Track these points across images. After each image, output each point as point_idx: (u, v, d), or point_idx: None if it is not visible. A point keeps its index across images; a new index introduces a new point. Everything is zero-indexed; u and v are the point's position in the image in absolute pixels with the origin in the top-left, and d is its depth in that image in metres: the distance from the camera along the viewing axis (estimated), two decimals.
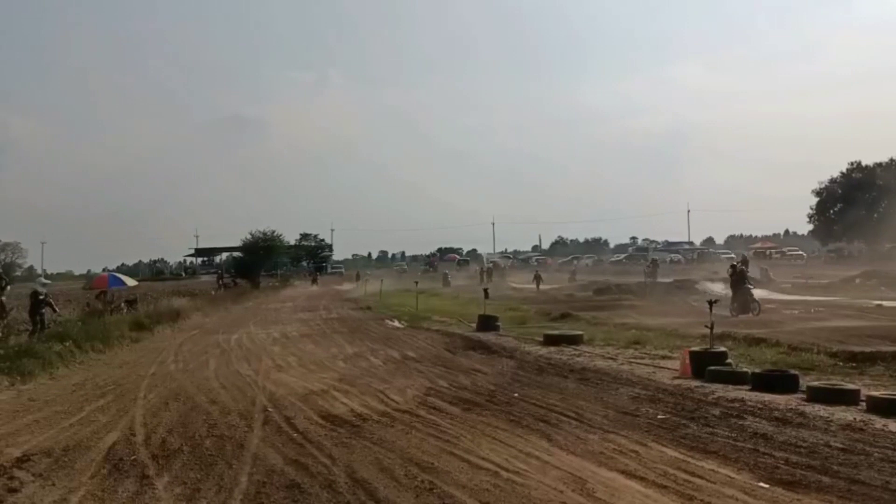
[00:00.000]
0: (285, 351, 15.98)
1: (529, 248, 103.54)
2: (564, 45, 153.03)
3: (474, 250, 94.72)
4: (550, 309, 23.60)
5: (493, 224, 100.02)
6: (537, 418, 8.32)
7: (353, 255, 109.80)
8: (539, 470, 6.32)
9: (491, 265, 56.70)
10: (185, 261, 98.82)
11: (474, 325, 19.01)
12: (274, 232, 67.71)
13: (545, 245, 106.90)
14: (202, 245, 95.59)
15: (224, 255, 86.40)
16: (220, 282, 53.23)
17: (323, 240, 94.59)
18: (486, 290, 22.99)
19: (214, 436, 8.03)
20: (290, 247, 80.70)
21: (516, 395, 9.84)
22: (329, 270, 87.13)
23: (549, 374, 11.63)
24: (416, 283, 34.00)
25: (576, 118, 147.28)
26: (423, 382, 11.09)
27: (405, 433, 7.86)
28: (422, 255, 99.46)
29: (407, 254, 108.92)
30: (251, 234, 66.33)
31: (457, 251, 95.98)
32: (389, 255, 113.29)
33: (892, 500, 5.33)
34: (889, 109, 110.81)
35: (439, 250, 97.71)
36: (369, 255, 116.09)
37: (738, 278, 22.12)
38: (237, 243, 69.80)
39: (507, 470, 6.33)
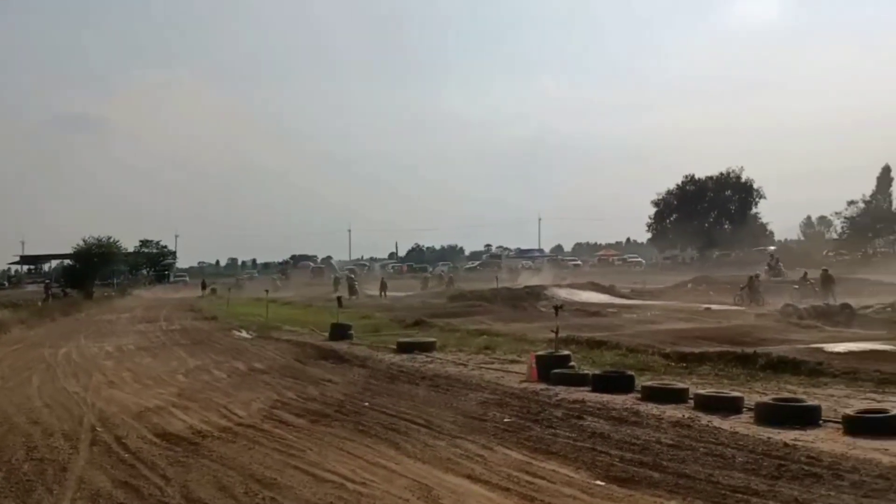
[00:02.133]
0: (119, 366, 14.92)
1: (386, 256, 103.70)
2: (429, 51, 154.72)
3: (329, 258, 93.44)
4: (405, 316, 23.66)
5: (350, 231, 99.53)
6: (386, 427, 8.26)
7: (199, 263, 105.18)
8: (386, 479, 6.26)
9: (352, 274, 56.08)
10: (9, 269, 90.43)
11: (327, 334, 18.68)
12: (110, 238, 63.60)
13: (402, 252, 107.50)
14: (29, 252, 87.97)
15: (53, 263, 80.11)
16: (48, 292, 49.19)
17: (165, 246, 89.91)
18: (339, 299, 22.74)
19: (34, 459, 7.35)
20: (129, 254, 76.22)
21: (366, 404, 9.73)
22: (172, 279, 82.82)
23: (401, 381, 11.62)
24: (267, 291, 33.02)
25: (438, 125, 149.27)
26: (270, 395, 10.72)
27: (248, 449, 7.55)
28: (274, 262, 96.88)
29: (258, 261, 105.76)
30: (84, 240, 61.93)
31: (311, 258, 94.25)
32: (239, 263, 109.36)
33: (715, 491, 5.69)
34: (720, 126, 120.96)
35: (293, 257, 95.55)
36: (217, 262, 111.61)
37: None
38: (69, 250, 64.95)
39: (353, 481, 6.23)
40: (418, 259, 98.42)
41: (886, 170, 71.19)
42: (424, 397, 10.12)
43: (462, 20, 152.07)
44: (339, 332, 18.25)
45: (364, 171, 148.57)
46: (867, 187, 72.06)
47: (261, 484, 6.24)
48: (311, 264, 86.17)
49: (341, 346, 16.45)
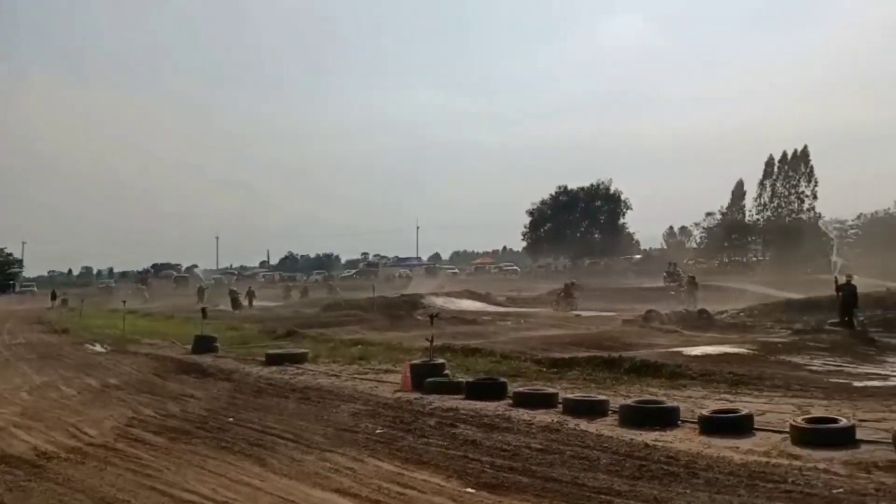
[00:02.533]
0: None
1: (257, 264, 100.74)
2: (305, 57, 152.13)
3: (195, 266, 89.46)
4: (275, 327, 23.00)
5: (218, 238, 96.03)
6: (252, 443, 7.91)
7: (49, 272, 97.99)
8: (250, 498, 5.98)
9: (213, 282, 53.94)
10: None
11: (189, 347, 17.79)
12: None
13: (274, 261, 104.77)
14: None
15: None
16: None
17: (10, 254, 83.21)
18: (203, 310, 21.75)
19: None
20: None
21: (231, 419, 9.30)
22: (18, 289, 76.63)
23: (269, 395, 11.21)
24: (124, 302, 31.13)
25: (314, 132, 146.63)
26: (125, 412, 10.04)
27: (98, 470, 7.00)
28: (133, 271, 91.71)
29: (116, 270, 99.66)
30: None
31: (175, 267, 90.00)
32: (95, 272, 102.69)
33: (580, 493, 5.81)
34: (591, 139, 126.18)
35: (154, 266, 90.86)
36: (70, 271, 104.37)
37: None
38: None
39: (213, 501, 5.92)
40: (292, 268, 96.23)
41: (740, 184, 77.02)
42: (293, 410, 9.79)
43: (341, 26, 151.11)
44: (204, 344, 17.41)
45: (235, 177, 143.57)
46: (724, 200, 77.63)
47: None
48: (175, 273, 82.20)
49: (205, 360, 15.69)
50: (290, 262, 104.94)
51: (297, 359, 14.75)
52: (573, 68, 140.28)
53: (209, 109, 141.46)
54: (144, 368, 14.78)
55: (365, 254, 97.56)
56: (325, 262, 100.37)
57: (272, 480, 6.46)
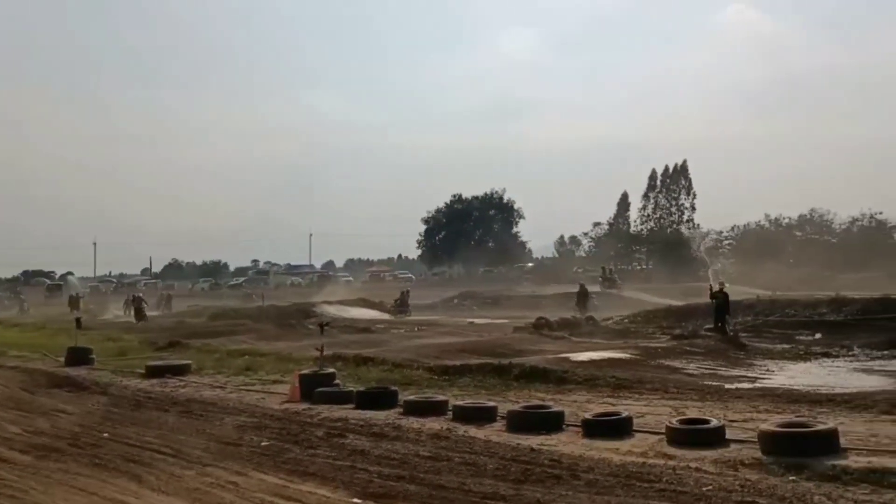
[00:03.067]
0: None
1: (139, 272, 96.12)
2: (191, 58, 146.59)
3: (70, 273, 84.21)
4: (157, 338, 22.03)
5: (95, 244, 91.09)
6: (128, 459, 7.54)
7: None
8: None
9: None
10: None
11: (62, 360, 16.76)
12: None
13: (157, 268, 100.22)
14: None
15: None
16: None
17: None
18: (77, 320, 20.57)
19: None
20: None
21: (106, 435, 8.83)
22: None
23: (148, 408, 10.73)
24: None
25: (199, 135, 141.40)
26: None
27: None
28: (2, 278, 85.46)
29: None
30: None
31: (48, 274, 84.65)
32: None
33: (466, 498, 5.87)
34: (486, 148, 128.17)
35: (24, 273, 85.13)
36: None
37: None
38: None
39: None
40: (177, 275, 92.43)
41: (625, 196, 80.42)
42: (174, 424, 9.41)
43: (228, 27, 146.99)
44: (78, 356, 16.45)
45: (116, 179, 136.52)
46: (611, 211, 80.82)
47: None
48: (48, 281, 77.22)
49: (79, 373, 14.81)
50: (175, 270, 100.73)
51: (179, 370, 14.20)
52: (468, 79, 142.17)
53: (83, 103, 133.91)
54: (11, 383, 13.71)
55: (255, 261, 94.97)
56: (213, 270, 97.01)
57: (148, 497, 6.19)
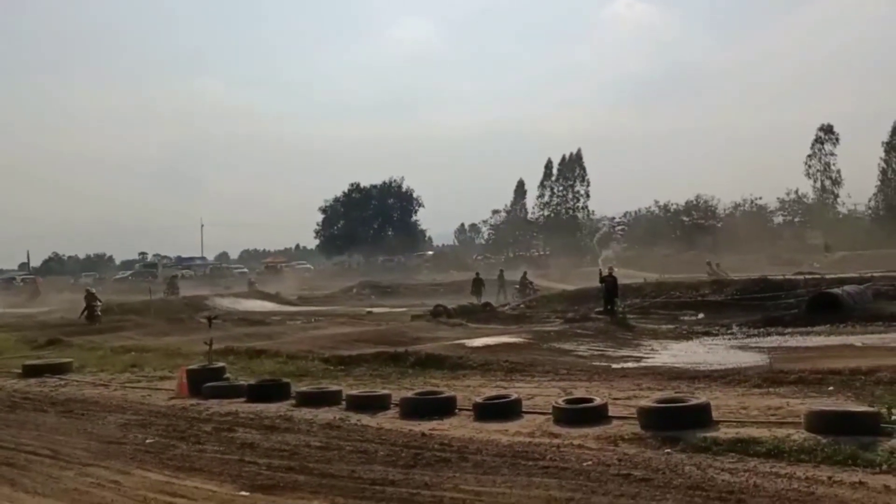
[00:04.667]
0: None
1: (16, 266, 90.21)
2: (59, 43, 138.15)
3: None
4: (36, 335, 20.86)
5: None
6: (1, 462, 7.19)
7: None
8: None
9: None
10: None
11: None
12: None
13: (36, 262, 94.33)
14: None
15: None
16: None
17: None
18: None
19: None
20: None
21: None
22: None
23: (25, 409, 10.21)
24: None
25: (78, 123, 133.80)
26: None
27: None
28: None
29: None
30: None
31: None
32: None
33: (355, 486, 5.93)
34: (383, 137, 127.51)
35: None
36: None
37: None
38: None
39: None
40: (58, 270, 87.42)
41: (521, 183, 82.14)
42: (53, 425, 9.00)
43: (117, 12, 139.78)
44: None
45: None
46: (508, 198, 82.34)
47: None
48: None
49: None
50: (56, 264, 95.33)
51: (59, 369, 13.54)
52: (364, 68, 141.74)
53: None
54: None
55: (143, 254, 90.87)
56: (98, 263, 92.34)
57: (23, 501, 5.96)
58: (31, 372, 13.36)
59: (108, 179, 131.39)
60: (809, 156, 67.57)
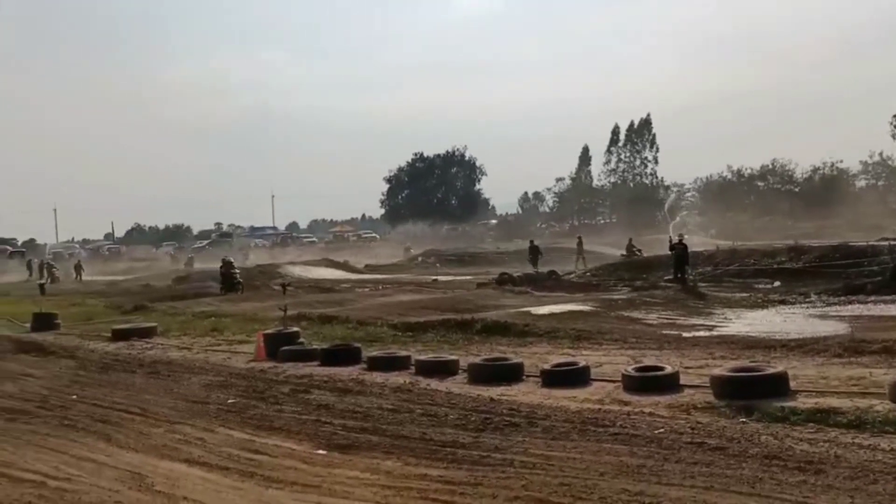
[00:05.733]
0: None
1: (102, 237, 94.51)
2: (141, 19, 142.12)
3: (33, 240, 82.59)
4: (123, 302, 21.92)
5: (56, 210, 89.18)
6: (96, 419, 7.68)
7: None
8: (94, 473, 5.85)
9: (50, 256, 50.22)
10: None
11: (28, 326, 16.67)
12: None
13: (120, 233, 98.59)
14: None
15: None
16: None
17: None
18: (41, 286, 20.41)
19: None
20: None
21: (74, 397, 8.93)
22: None
23: (116, 370, 10.80)
24: None
25: (156, 97, 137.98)
26: None
27: None
28: None
29: None
30: None
31: (10, 242, 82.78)
32: None
33: (426, 447, 6.10)
34: (445, 106, 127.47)
35: None
36: None
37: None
38: None
39: (55, 478, 5.73)
40: (139, 240, 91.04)
41: (586, 150, 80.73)
42: (142, 385, 9.52)
43: None
44: (44, 322, 16.40)
45: (73, 146, 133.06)
46: (572, 165, 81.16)
47: None
48: (10, 248, 75.65)
49: (46, 338, 14.76)
50: (138, 234, 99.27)
51: (145, 333, 14.24)
52: (425, 35, 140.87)
53: (39, 71, 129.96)
54: None
55: (218, 224, 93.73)
56: (176, 233, 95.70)
57: (118, 455, 6.33)
58: (120, 336, 14.07)
59: (186, 152, 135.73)
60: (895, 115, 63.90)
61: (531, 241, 34.67)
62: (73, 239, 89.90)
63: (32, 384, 9.95)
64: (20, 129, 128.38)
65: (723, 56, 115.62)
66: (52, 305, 19.31)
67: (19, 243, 79.84)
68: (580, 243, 34.68)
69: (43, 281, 29.39)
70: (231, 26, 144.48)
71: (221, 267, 25.94)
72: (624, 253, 32.00)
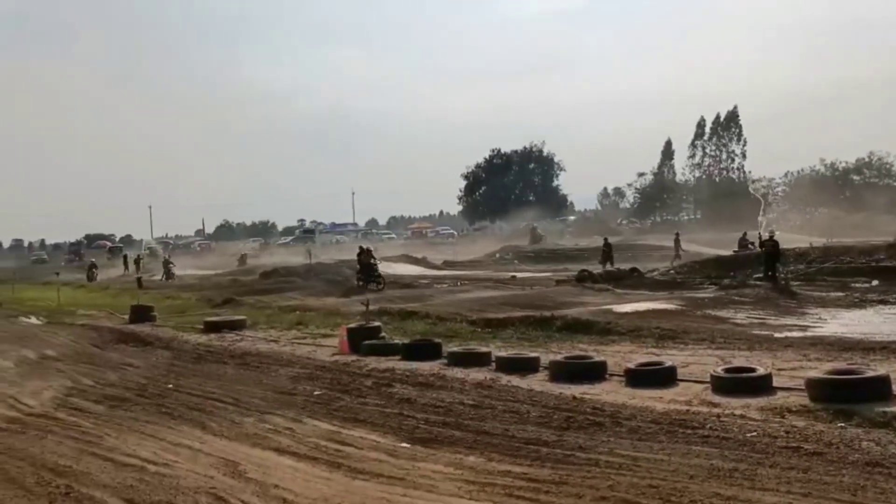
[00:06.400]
0: None
1: (192, 233, 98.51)
2: (222, 24, 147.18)
3: (129, 236, 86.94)
4: (213, 295, 22.79)
5: (150, 208, 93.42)
6: (191, 407, 8.03)
7: None
8: (190, 459, 6.12)
9: (147, 251, 52.69)
10: None
11: (127, 318, 17.55)
12: None
13: (210, 229, 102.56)
14: None
15: None
16: None
17: None
18: (139, 280, 21.41)
19: None
20: None
21: (170, 386, 9.38)
22: None
23: (208, 361, 11.27)
24: (58, 273, 30.28)
25: (239, 97, 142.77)
26: (64, 382, 10.03)
27: (39, 438, 7.07)
28: (66, 242, 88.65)
29: (48, 241, 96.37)
30: None
31: (108, 238, 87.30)
32: (26, 244, 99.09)
33: (509, 444, 6.10)
34: (523, 101, 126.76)
35: (87, 237, 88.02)
36: None
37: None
38: None
39: (154, 463, 6.04)
40: (228, 236, 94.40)
41: (668, 144, 78.68)
42: (233, 376, 9.90)
43: None
44: (141, 314, 17.25)
45: (163, 146, 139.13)
46: (654, 160, 79.29)
47: (54, 473, 5.91)
48: (108, 244, 79.77)
49: (143, 329, 15.56)
50: (226, 231, 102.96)
51: (235, 326, 14.77)
52: (501, 29, 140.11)
53: (131, 77, 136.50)
54: (82, 339, 14.63)
55: (301, 220, 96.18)
56: (262, 230, 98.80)
57: (212, 442, 6.60)
58: (211, 328, 14.67)
59: (270, 151, 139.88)
60: None
61: (605, 240, 33.99)
62: (166, 235, 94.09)
63: (132, 373, 10.48)
64: (117, 135, 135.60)
65: (813, 46, 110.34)
66: (149, 299, 20.24)
67: (117, 239, 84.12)
68: (677, 240, 33.70)
69: (140, 275, 30.76)
70: (309, 27, 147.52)
71: (359, 255, 23.96)
72: (737, 249, 30.95)
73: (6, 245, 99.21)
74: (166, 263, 36.42)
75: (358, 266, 23.24)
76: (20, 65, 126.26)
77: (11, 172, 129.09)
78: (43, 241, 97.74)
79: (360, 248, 24.81)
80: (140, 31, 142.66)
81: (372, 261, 23.13)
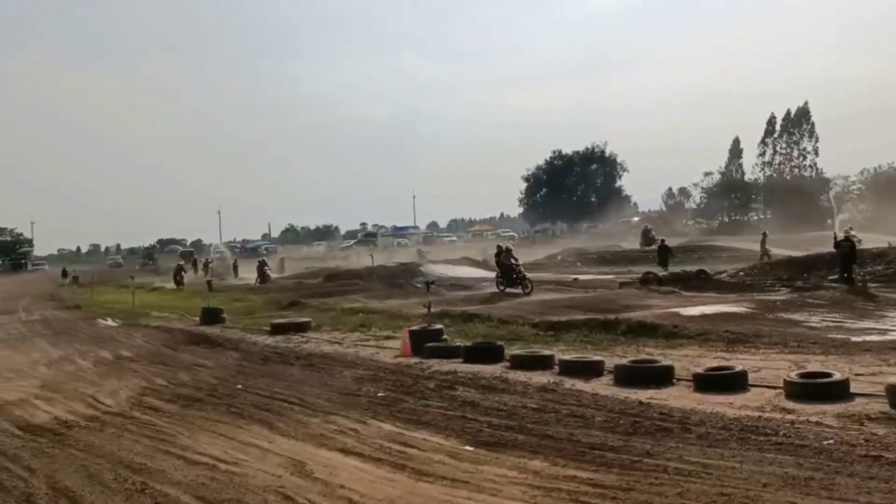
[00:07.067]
0: None
1: (259, 237, 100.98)
2: (277, 29, 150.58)
3: (199, 240, 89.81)
4: (279, 298, 23.25)
5: (220, 213, 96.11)
6: (260, 408, 8.21)
7: (58, 251, 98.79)
8: (259, 458, 6.26)
9: (218, 255, 54.11)
10: None
11: (197, 319, 18.09)
12: None
13: (275, 233, 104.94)
14: None
15: None
16: None
17: (21, 234, 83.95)
18: (209, 283, 22.02)
19: None
20: None
21: (239, 386, 9.60)
22: (30, 268, 77.58)
23: (275, 362, 11.49)
24: (132, 277, 31.42)
25: (297, 104, 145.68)
26: (139, 382, 10.40)
27: (116, 436, 7.36)
28: (140, 247, 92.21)
29: (123, 246, 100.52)
30: None
31: (180, 242, 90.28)
32: (102, 249, 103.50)
33: (574, 449, 6.02)
34: (584, 103, 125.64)
35: (160, 241, 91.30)
36: (78, 249, 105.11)
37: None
38: None
39: (225, 462, 6.20)
40: (293, 240, 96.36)
41: (737, 142, 76.58)
42: (299, 377, 10.07)
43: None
44: (211, 316, 17.75)
45: (230, 152, 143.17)
46: (721, 159, 77.30)
47: (130, 470, 6.14)
48: (180, 248, 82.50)
49: (213, 331, 15.99)
50: (291, 235, 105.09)
51: (300, 328, 15.02)
52: (561, 29, 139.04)
53: (202, 86, 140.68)
54: (155, 340, 15.14)
55: (363, 223, 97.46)
56: (325, 233, 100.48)
57: (280, 442, 6.74)
58: (278, 330, 14.96)
59: (333, 155, 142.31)
60: None
61: (661, 241, 33.12)
62: (234, 239, 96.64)
63: (203, 374, 10.78)
64: (189, 143, 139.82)
65: (889, 42, 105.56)
66: (218, 301, 20.81)
67: (188, 243, 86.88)
68: (764, 240, 32.66)
69: (210, 278, 31.61)
70: (371, 34, 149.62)
71: (497, 255, 22.00)
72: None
73: (84, 250, 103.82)
74: (261, 266, 35.72)
75: (497, 269, 21.01)
76: (88, 76, 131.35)
77: (86, 179, 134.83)
78: (118, 245, 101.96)
79: (499, 247, 22.79)
80: (203, 44, 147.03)
81: (513, 261, 20.77)
